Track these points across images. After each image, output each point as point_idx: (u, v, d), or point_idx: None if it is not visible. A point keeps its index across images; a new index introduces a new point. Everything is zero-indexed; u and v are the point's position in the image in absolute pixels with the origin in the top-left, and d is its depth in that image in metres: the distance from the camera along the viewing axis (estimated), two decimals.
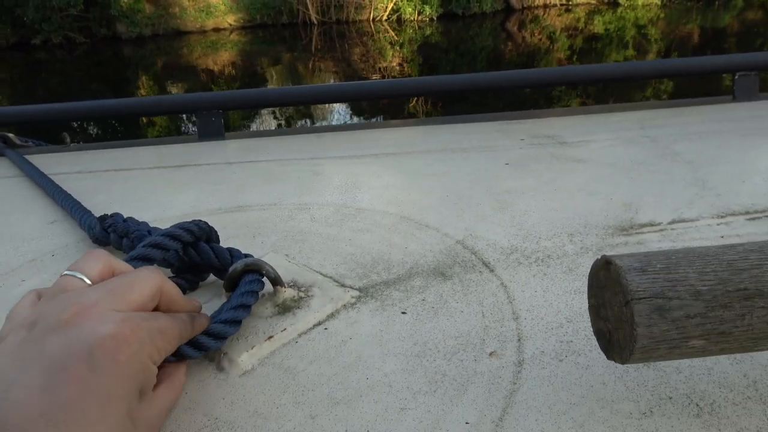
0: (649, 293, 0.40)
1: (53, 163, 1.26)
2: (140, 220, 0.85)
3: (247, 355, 0.59)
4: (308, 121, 8.36)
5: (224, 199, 1.01)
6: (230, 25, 16.58)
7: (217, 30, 16.45)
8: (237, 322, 0.60)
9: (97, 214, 0.90)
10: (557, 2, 18.27)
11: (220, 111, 1.47)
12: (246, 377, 0.57)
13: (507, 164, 1.10)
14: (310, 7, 16.53)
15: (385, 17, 16.84)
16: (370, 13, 16.83)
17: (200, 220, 0.72)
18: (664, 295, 0.40)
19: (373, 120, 7.50)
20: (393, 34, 15.32)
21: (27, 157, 1.31)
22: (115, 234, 0.80)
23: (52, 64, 13.92)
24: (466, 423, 0.50)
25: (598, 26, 15.27)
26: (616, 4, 17.85)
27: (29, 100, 10.28)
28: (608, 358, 0.45)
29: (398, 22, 16.78)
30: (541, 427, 0.49)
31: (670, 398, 0.51)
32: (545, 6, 18.19)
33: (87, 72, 13.19)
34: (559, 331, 0.61)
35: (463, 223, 0.86)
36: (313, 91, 1.78)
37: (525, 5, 18.00)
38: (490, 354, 0.58)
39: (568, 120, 1.42)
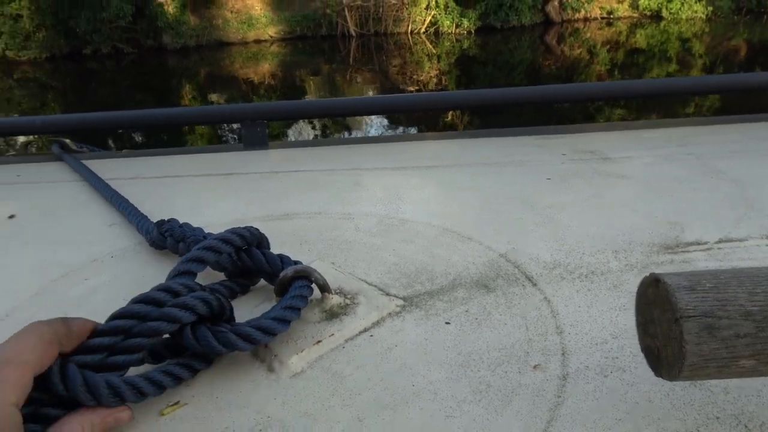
0: (698, 312, 0.41)
1: (108, 169, 1.32)
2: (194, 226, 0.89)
3: (297, 357, 0.62)
4: (345, 131, 8.46)
5: (271, 207, 1.04)
6: (271, 36, 16.95)
7: (258, 41, 16.84)
8: (286, 321, 0.62)
9: (151, 218, 0.94)
10: (598, 16, 18.07)
11: (265, 121, 1.52)
12: (296, 379, 0.60)
13: (548, 179, 1.10)
14: (348, 19, 16.77)
15: (423, 30, 16.94)
16: (408, 25, 16.96)
17: (252, 227, 0.75)
18: (714, 314, 0.41)
19: (409, 131, 7.54)
20: (430, 47, 15.40)
21: (83, 162, 1.38)
22: (172, 239, 0.84)
23: (102, 73, 14.48)
24: None
25: (640, 40, 15.02)
26: (660, 18, 17.53)
27: (80, 109, 10.71)
28: (656, 374, 0.46)
29: (436, 34, 16.85)
30: None
31: (718, 418, 0.51)
32: (585, 19, 18.01)
33: (134, 81, 13.66)
34: (604, 346, 0.61)
35: (506, 236, 0.87)
36: (353, 103, 1.82)
37: (565, 18, 17.85)
38: (534, 367, 0.59)
39: (610, 135, 1.41)
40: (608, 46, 14.30)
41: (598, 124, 1.59)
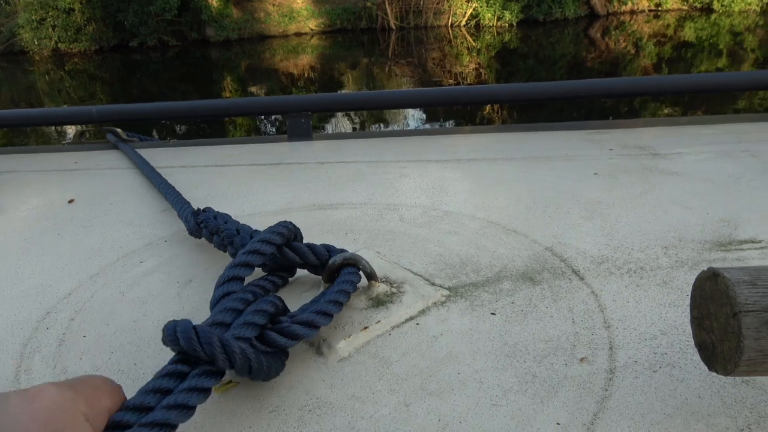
0: (758, 306, 0.40)
1: (159, 158, 1.37)
2: (235, 215, 0.90)
3: (345, 342, 0.63)
4: (382, 124, 8.47)
5: (317, 197, 1.06)
6: (311, 29, 17.09)
7: (298, 34, 17.00)
8: (340, 304, 0.64)
9: (201, 205, 0.97)
10: (645, 8, 17.52)
11: (309, 113, 1.54)
12: (343, 363, 0.61)
13: (596, 174, 1.09)
14: (389, 12, 16.74)
15: (463, 23, 16.77)
16: (448, 18, 16.82)
17: (287, 221, 0.75)
18: None
19: (446, 124, 7.50)
20: (471, 40, 15.23)
21: (137, 150, 1.43)
22: (207, 230, 0.85)
23: (146, 65, 14.89)
24: (557, 424, 0.52)
25: (689, 33, 14.50)
26: (710, 11, 16.87)
27: (126, 99, 11.05)
28: (710, 369, 0.45)
29: (477, 27, 16.65)
30: None
31: None
32: (632, 12, 17.49)
33: (177, 73, 14.00)
34: (653, 342, 0.61)
35: (552, 230, 0.87)
36: (395, 96, 1.83)
37: (610, 11, 17.38)
38: (581, 360, 0.59)
39: (659, 131, 1.38)
40: (655, 40, 13.86)
41: (648, 119, 1.56)
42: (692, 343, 0.51)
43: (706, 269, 0.45)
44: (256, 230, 0.78)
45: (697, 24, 15.75)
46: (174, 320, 0.53)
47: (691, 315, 0.48)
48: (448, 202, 0.99)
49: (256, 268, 0.70)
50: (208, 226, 0.85)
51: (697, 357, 0.55)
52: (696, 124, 1.43)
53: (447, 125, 7.48)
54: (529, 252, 0.81)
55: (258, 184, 1.16)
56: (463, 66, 12.25)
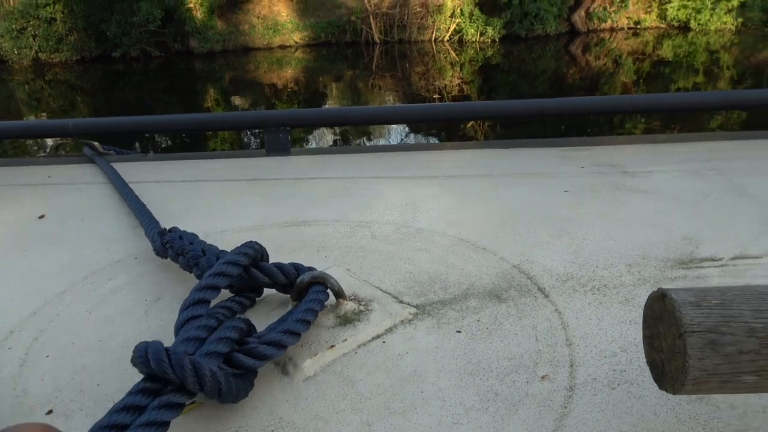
0: (702, 327, 0.42)
1: (135, 172, 1.36)
2: (208, 231, 0.90)
3: (310, 362, 0.64)
4: (365, 138, 8.50)
5: (291, 213, 1.07)
6: (296, 42, 17.13)
7: (283, 47, 17.04)
8: (307, 322, 0.64)
9: (173, 222, 0.97)
10: (625, 26, 17.88)
11: (288, 128, 1.55)
12: (308, 382, 0.62)
13: (566, 191, 1.11)
14: (373, 26, 16.86)
15: (447, 38, 16.95)
16: (432, 33, 16.99)
17: (253, 242, 0.75)
18: (718, 330, 0.42)
19: (429, 140, 7.55)
20: (454, 55, 15.40)
21: (113, 164, 1.42)
22: (173, 251, 0.84)
23: (129, 75, 14.80)
24: None
25: (666, 51, 14.83)
26: (687, 29, 17.27)
27: (107, 109, 10.96)
28: (660, 387, 0.47)
29: (460, 43, 16.84)
30: None
31: None
32: (612, 29, 17.84)
33: (160, 84, 13.93)
34: (613, 359, 0.62)
35: (520, 247, 0.88)
36: (374, 112, 1.85)
37: (590, 28, 17.71)
38: (543, 377, 0.60)
39: (632, 149, 1.41)
40: (634, 57, 14.14)
41: (622, 137, 1.60)
42: None
43: (655, 290, 0.46)
44: (222, 251, 0.78)
45: (675, 42, 16.11)
46: (145, 341, 0.53)
47: (643, 333, 0.49)
48: (420, 219, 1.00)
49: (223, 290, 0.70)
50: (173, 247, 0.84)
51: None
52: (671, 142, 1.46)
53: (429, 140, 7.53)
54: (497, 270, 0.82)
55: (233, 200, 1.16)
56: (446, 80, 12.37)
